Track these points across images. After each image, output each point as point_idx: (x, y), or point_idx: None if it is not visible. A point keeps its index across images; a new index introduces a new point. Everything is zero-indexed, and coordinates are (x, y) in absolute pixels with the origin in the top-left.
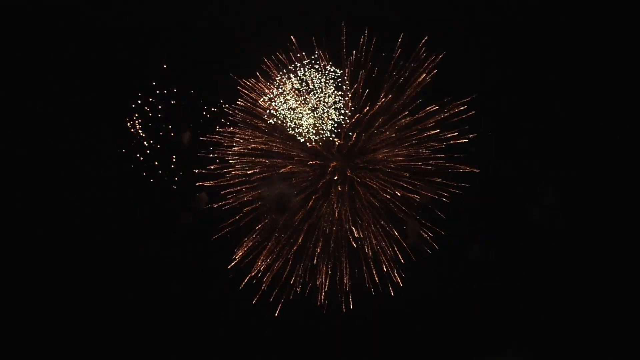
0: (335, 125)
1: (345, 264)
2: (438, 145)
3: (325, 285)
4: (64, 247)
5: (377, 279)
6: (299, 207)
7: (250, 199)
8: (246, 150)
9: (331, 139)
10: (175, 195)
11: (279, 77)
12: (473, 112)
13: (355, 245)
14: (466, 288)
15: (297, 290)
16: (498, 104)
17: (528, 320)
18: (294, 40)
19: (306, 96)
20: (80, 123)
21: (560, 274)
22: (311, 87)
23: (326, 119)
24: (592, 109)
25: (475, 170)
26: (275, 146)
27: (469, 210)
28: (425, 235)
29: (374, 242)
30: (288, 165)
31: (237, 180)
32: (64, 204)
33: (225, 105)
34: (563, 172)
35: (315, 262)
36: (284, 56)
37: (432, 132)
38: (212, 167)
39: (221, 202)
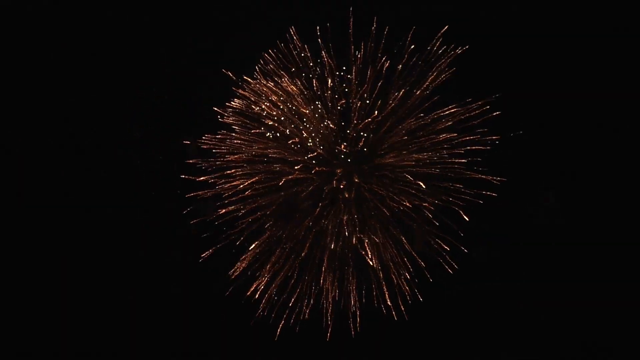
0: (343, 134)
1: (353, 281)
2: (456, 150)
3: (330, 305)
4: (64, 247)
5: (388, 299)
6: (305, 215)
7: (254, 206)
8: (245, 157)
9: (337, 149)
10: (179, 205)
11: (280, 80)
12: (498, 112)
13: (369, 261)
14: (484, 304)
15: (301, 311)
16: (525, 104)
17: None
18: (294, 33)
19: (312, 105)
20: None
21: (568, 274)
22: (317, 90)
23: (332, 128)
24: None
25: (502, 179)
26: (277, 152)
27: (478, 213)
28: (436, 246)
29: (383, 254)
30: (294, 173)
31: (236, 189)
32: (63, 204)
33: (219, 107)
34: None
35: (321, 282)
36: (284, 50)
37: (448, 135)
38: (208, 177)
39: (222, 211)
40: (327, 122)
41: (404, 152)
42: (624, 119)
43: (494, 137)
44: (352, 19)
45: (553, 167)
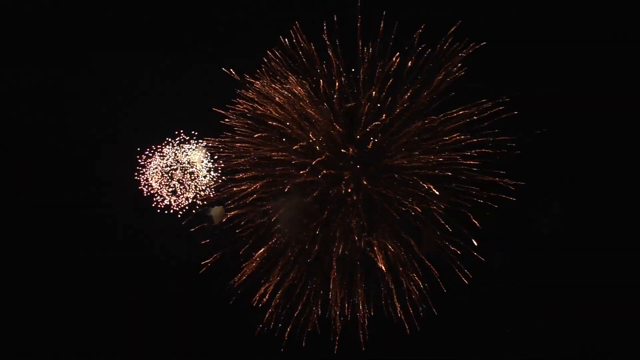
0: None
1: (362, 287)
2: (468, 152)
3: (337, 314)
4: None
5: (399, 310)
6: (313, 219)
7: (261, 211)
8: (250, 160)
9: (343, 151)
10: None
11: (285, 81)
12: (515, 112)
13: (379, 264)
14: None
15: (308, 321)
16: (543, 104)
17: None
18: (298, 29)
19: (319, 106)
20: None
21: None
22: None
23: (340, 131)
24: None
25: (518, 183)
26: (284, 155)
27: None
28: (448, 251)
29: (392, 258)
30: (302, 177)
31: (242, 194)
32: (66, 204)
33: (222, 108)
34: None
35: (330, 291)
36: (289, 48)
37: (459, 137)
38: (213, 182)
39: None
40: (334, 124)
41: (416, 152)
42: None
43: (507, 138)
44: (359, 17)
45: (570, 169)
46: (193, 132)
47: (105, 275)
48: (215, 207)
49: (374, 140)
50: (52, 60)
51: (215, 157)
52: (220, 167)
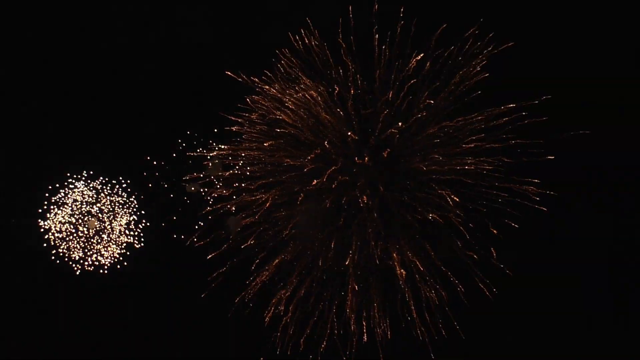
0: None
1: (377, 305)
2: (490, 158)
3: (355, 333)
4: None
5: (419, 327)
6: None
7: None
8: (263, 168)
9: (356, 159)
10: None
11: (298, 86)
12: (545, 118)
13: (397, 273)
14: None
15: (322, 339)
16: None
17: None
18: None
19: (333, 112)
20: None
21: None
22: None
23: (355, 138)
24: None
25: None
26: (298, 161)
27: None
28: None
29: (410, 266)
30: (317, 184)
31: (255, 204)
32: None
33: (232, 114)
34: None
35: (347, 308)
36: (301, 50)
37: (476, 144)
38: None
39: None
40: (349, 133)
41: (437, 156)
42: None
43: (530, 142)
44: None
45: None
46: (215, 130)
47: (106, 288)
48: (231, 217)
49: (390, 145)
50: (53, 59)
51: (240, 163)
52: (237, 175)
